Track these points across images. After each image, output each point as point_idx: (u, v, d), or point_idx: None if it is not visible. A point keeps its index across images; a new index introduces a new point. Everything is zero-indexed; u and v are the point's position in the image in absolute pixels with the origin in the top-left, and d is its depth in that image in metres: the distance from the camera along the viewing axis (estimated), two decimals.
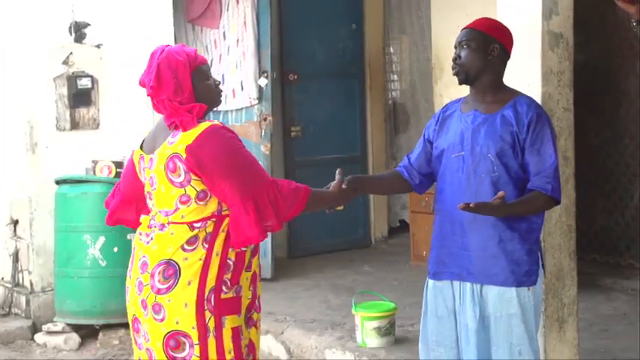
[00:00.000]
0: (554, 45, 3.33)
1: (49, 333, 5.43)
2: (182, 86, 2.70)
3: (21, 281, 5.90)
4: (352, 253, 6.95)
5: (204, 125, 2.68)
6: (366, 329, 4.44)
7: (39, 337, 5.47)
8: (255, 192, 2.63)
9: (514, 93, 3.06)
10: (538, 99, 3.28)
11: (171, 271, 2.66)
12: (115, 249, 5.34)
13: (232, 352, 2.66)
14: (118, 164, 5.52)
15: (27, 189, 5.75)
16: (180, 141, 2.67)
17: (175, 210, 2.69)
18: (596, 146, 5.74)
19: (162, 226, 2.71)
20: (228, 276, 2.67)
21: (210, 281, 2.65)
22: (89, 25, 5.82)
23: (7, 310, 5.89)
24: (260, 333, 2.86)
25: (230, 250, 2.68)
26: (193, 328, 2.64)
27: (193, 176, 2.65)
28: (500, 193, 2.84)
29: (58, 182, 5.51)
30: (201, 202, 2.67)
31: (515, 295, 2.94)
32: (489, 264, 2.96)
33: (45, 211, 5.65)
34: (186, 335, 2.65)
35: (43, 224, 5.65)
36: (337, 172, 2.97)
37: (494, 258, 2.96)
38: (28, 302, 5.71)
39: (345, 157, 7.13)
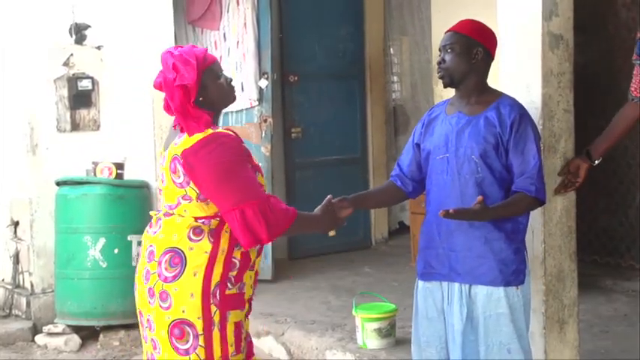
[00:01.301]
0: (555, 46, 3.33)
1: (50, 334, 5.43)
2: (192, 86, 2.73)
3: (21, 282, 5.90)
4: (352, 254, 6.95)
5: (207, 132, 2.70)
6: (367, 330, 4.44)
7: (39, 339, 5.47)
8: (245, 203, 2.64)
9: (497, 94, 3.08)
10: (538, 100, 3.28)
11: (177, 259, 2.70)
12: (116, 250, 5.34)
13: (234, 346, 2.72)
14: (119, 165, 5.52)
15: (27, 190, 5.75)
16: (182, 144, 2.71)
17: (178, 204, 2.74)
18: None
19: (169, 214, 2.77)
20: (233, 273, 2.73)
21: (216, 277, 2.69)
22: (90, 26, 5.83)
23: (8, 311, 5.90)
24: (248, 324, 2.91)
25: (235, 249, 2.73)
26: (199, 318, 2.68)
27: (191, 179, 2.70)
28: (479, 198, 2.85)
29: (58, 183, 5.52)
30: (202, 202, 2.72)
31: (503, 294, 2.96)
32: (476, 264, 2.98)
33: (45, 212, 5.65)
34: (191, 325, 2.68)
35: (43, 225, 5.66)
36: (327, 198, 2.95)
37: (481, 258, 2.97)
38: (28, 303, 5.71)
39: (346, 159, 7.14)
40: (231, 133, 2.75)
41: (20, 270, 5.90)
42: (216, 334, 2.69)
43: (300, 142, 6.94)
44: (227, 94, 2.83)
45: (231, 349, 2.71)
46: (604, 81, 5.77)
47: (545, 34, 3.30)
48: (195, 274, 2.68)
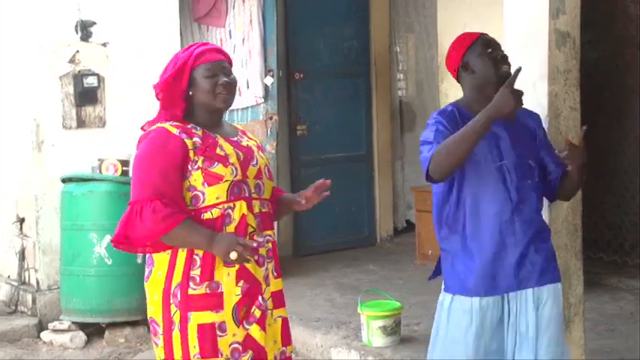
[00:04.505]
0: (561, 44, 3.32)
1: (55, 331, 5.44)
2: (164, 73, 2.78)
3: (27, 279, 5.91)
4: (357, 251, 6.95)
5: (155, 126, 2.77)
6: (372, 328, 4.44)
7: (45, 335, 5.48)
8: (136, 199, 2.67)
9: None
10: (544, 98, 3.27)
11: (150, 260, 2.76)
12: None
13: (197, 347, 2.67)
14: (124, 162, 5.52)
15: (33, 187, 5.76)
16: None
17: None
18: (605, 144, 5.73)
19: None
20: (196, 272, 2.68)
21: (177, 276, 2.68)
22: (95, 23, 5.83)
23: (14, 308, 5.91)
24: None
25: None
26: (161, 317, 2.71)
27: None
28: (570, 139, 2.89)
29: (64, 180, 5.52)
30: None
31: (560, 290, 3.00)
32: (546, 264, 2.97)
33: (51, 209, 5.66)
34: (157, 324, 2.73)
35: (49, 222, 5.66)
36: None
37: (547, 257, 2.98)
38: (34, 300, 5.72)
39: (351, 156, 7.14)
40: (167, 128, 2.72)
41: (26, 267, 5.91)
42: (176, 334, 2.67)
43: (306, 140, 6.93)
44: (210, 95, 2.76)
45: (194, 351, 2.66)
46: (612, 78, 5.76)
47: (551, 32, 3.29)
48: (159, 274, 2.71)
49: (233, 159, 2.74)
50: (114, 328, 5.38)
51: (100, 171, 5.51)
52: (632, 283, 5.49)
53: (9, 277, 6.10)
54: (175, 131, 2.72)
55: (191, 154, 2.69)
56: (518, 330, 2.95)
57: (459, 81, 3.04)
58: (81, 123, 5.78)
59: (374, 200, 7.28)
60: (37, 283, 5.74)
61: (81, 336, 5.38)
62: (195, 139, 2.72)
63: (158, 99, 2.80)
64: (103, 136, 5.80)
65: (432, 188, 3.02)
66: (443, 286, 3.03)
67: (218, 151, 2.73)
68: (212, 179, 2.69)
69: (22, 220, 5.95)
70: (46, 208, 5.69)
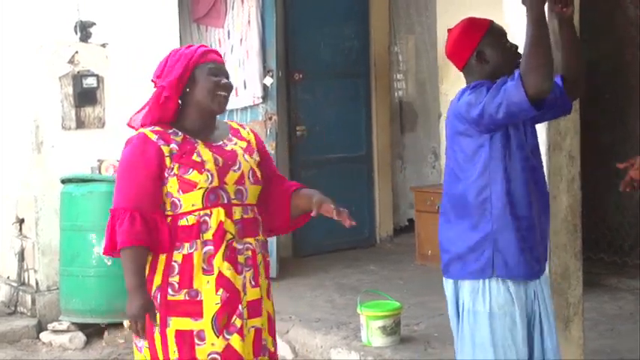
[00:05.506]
0: None
1: (55, 332, 5.44)
2: (171, 71, 2.73)
3: (26, 280, 5.91)
4: (357, 252, 6.95)
5: (139, 131, 2.77)
6: (372, 328, 4.44)
7: (44, 336, 5.48)
8: (113, 208, 2.72)
9: None
10: None
11: None
12: None
13: (177, 353, 2.67)
14: None
15: (32, 188, 5.75)
16: None
17: None
18: (606, 144, 5.73)
19: None
20: (174, 279, 2.67)
21: (157, 279, 2.69)
22: (95, 24, 5.83)
23: (13, 308, 5.91)
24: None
25: (176, 251, 2.68)
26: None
27: None
28: None
29: (63, 181, 5.52)
30: None
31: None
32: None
33: (50, 210, 5.66)
34: None
35: (48, 223, 5.66)
36: None
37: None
38: (33, 301, 5.72)
39: (351, 157, 7.14)
40: (146, 134, 2.72)
41: (25, 267, 5.91)
42: (157, 336, 2.68)
43: (305, 140, 6.93)
44: (211, 95, 2.74)
45: (174, 356, 2.67)
46: (613, 78, 5.76)
47: (551, 33, 3.28)
48: None
49: (210, 165, 2.70)
50: (113, 329, 5.37)
51: (100, 172, 5.51)
52: (631, 284, 5.49)
53: (8, 277, 6.10)
54: (153, 137, 2.71)
55: (167, 160, 2.69)
56: (537, 318, 2.87)
57: (464, 69, 2.88)
58: (80, 124, 5.78)
59: (374, 201, 7.27)
60: (37, 283, 5.74)
61: (80, 336, 5.38)
62: (173, 145, 2.70)
63: (160, 98, 2.74)
64: (102, 136, 5.80)
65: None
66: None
67: (194, 157, 2.70)
68: (186, 186, 2.68)
69: (21, 221, 5.94)
70: (46, 209, 5.69)
